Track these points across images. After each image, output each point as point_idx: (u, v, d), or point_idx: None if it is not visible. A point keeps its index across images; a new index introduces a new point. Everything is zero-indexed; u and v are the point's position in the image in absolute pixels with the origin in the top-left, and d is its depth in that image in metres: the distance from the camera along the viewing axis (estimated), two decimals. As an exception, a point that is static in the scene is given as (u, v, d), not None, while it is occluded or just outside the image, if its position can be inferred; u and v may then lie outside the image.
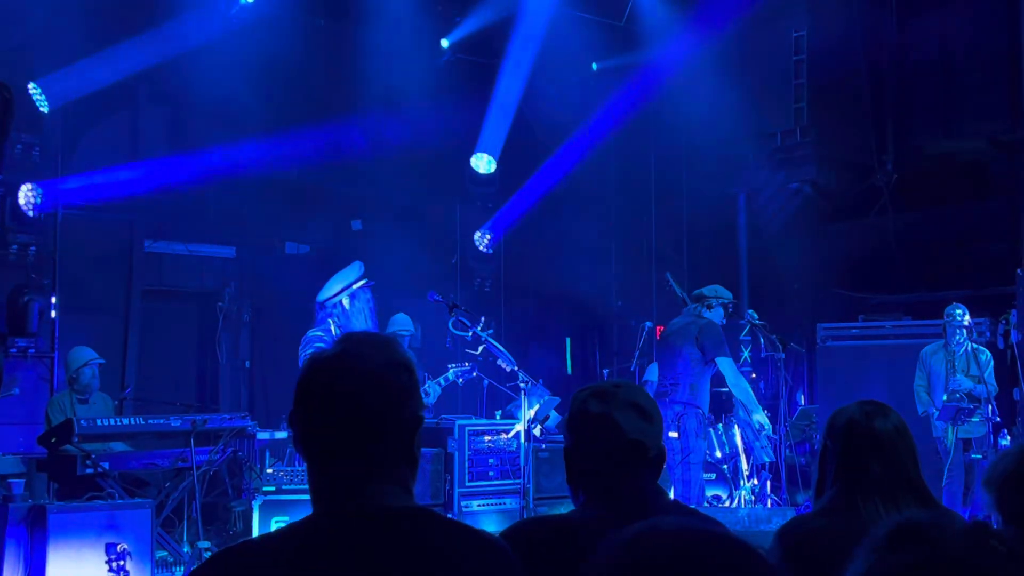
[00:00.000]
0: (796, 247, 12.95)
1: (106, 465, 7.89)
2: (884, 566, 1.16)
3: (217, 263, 12.33)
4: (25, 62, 9.96)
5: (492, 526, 8.27)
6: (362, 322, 7.04)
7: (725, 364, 8.10)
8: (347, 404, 1.88)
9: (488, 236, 13.21)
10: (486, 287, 13.42)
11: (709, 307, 8.40)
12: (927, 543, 1.16)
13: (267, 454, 9.05)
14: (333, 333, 6.96)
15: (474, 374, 8.39)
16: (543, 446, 8.88)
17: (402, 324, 9.57)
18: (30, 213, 9.94)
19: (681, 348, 8.21)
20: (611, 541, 1.25)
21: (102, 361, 9.20)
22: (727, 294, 8.55)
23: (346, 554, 1.79)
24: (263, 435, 8.99)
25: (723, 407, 10.54)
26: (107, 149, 10.94)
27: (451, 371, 8.29)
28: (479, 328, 7.57)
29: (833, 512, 2.94)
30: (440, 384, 8.45)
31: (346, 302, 7.12)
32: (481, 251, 13.10)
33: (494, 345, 7.56)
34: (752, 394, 8.38)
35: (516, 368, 7.49)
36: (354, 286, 7.18)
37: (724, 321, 8.52)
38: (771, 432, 8.58)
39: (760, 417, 8.34)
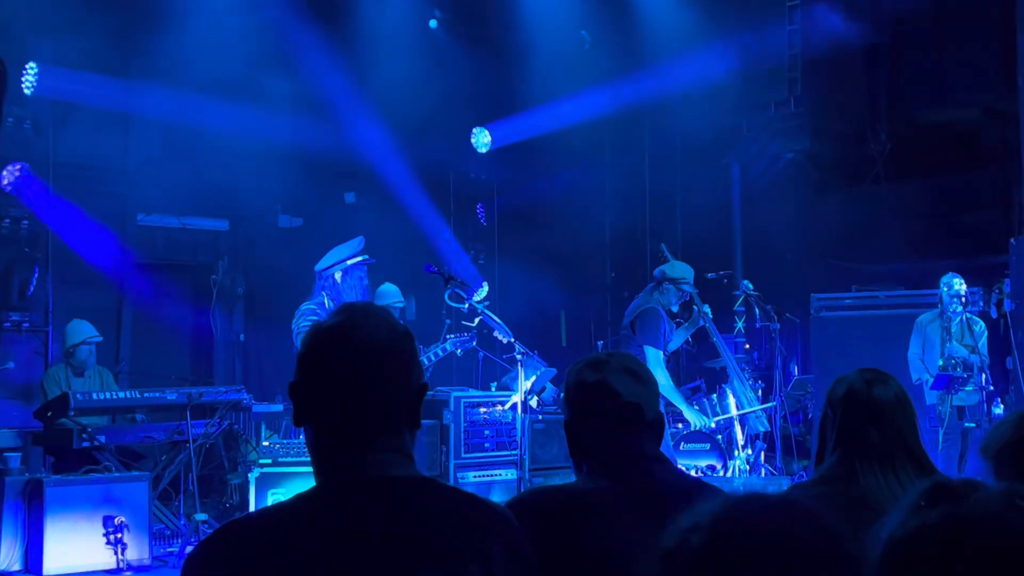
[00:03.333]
0: (790, 218, 12.94)
1: (102, 438, 7.89)
2: (917, 522, 1.19)
3: (210, 236, 12.30)
4: (17, 37, 9.88)
5: (489, 497, 8.29)
6: (352, 299, 7.01)
7: (649, 354, 7.86)
8: (353, 374, 1.87)
9: (480, 210, 13.24)
10: (480, 260, 13.41)
11: (661, 290, 8.18)
12: (960, 500, 1.19)
13: (263, 426, 9.05)
14: (327, 306, 6.94)
15: (473, 343, 8.39)
16: (539, 417, 8.90)
17: (392, 296, 9.54)
18: (10, 190, 9.88)
19: (628, 329, 8.11)
20: (695, 517, 1.28)
21: (100, 339, 9.17)
22: (681, 273, 8.21)
23: (353, 523, 1.78)
24: (259, 408, 9.00)
25: (717, 378, 10.57)
26: (99, 123, 10.87)
27: (449, 341, 8.29)
28: (477, 299, 7.57)
29: (833, 479, 2.95)
30: (432, 357, 8.44)
31: (338, 276, 7.11)
32: (479, 223, 13.13)
33: (490, 317, 7.56)
34: (675, 391, 8.05)
35: (512, 340, 7.49)
36: (348, 261, 7.16)
37: (675, 305, 8.19)
38: (707, 428, 8.41)
39: (689, 415, 8.16)
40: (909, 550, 1.18)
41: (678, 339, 8.55)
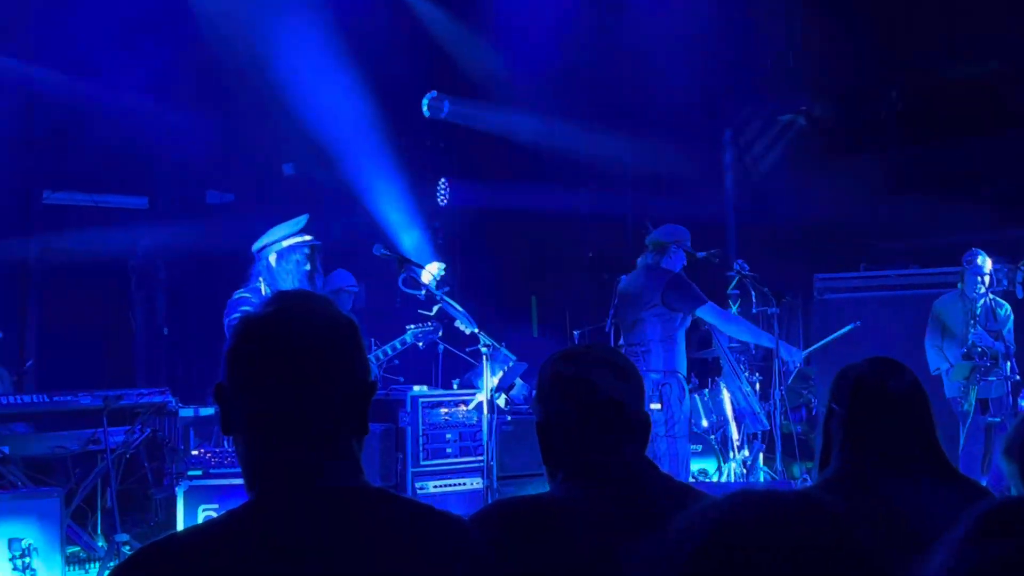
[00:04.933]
0: (790, 187, 12.98)
1: (6, 450, 7.82)
2: (981, 559, 1.11)
3: (128, 216, 12.20)
4: None
5: (452, 509, 8.28)
6: (289, 287, 6.92)
7: (708, 312, 7.94)
8: (287, 372, 1.86)
9: (446, 186, 13.24)
10: (438, 239, 13.38)
11: (669, 255, 8.23)
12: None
13: (191, 433, 9.01)
14: (264, 293, 6.88)
15: (439, 335, 8.37)
16: (508, 418, 8.91)
17: (343, 279, 9.47)
18: None
19: (646, 309, 8.09)
20: (695, 517, 1.23)
21: (0, 335, 9.11)
22: (683, 233, 8.29)
23: (292, 542, 1.76)
24: (186, 412, 8.96)
25: (709, 371, 10.61)
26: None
27: (409, 333, 8.26)
28: (429, 278, 7.53)
29: (841, 485, 2.96)
30: (390, 351, 8.41)
31: (272, 259, 7.02)
32: (439, 203, 13.16)
33: (451, 305, 7.53)
34: (753, 327, 8.34)
35: (476, 331, 7.48)
36: (283, 242, 7.06)
37: (683, 263, 8.34)
38: (800, 361, 8.62)
39: (781, 349, 8.21)
40: None
41: None
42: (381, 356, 8.21)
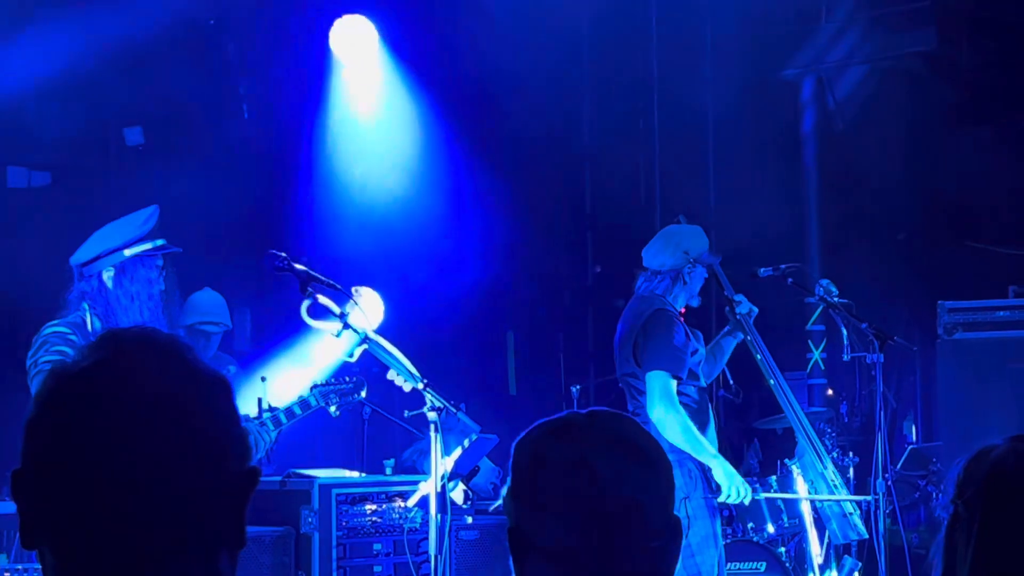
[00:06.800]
0: (901, 168, 13.04)
1: None
2: None
3: None
4: None
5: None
6: (136, 316, 6.92)
7: (654, 382, 7.92)
8: (121, 454, 1.86)
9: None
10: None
11: (685, 279, 8.32)
12: None
13: (-19, 544, 9.03)
14: (90, 329, 6.88)
15: (360, 394, 8.38)
16: (468, 520, 8.94)
17: (208, 310, 9.47)
18: None
19: (632, 362, 8.15)
20: None
21: None
22: (700, 241, 8.40)
23: None
24: (-31, 511, 8.96)
25: (777, 449, 10.63)
26: None
27: (315, 390, 8.27)
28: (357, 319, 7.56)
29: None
30: (284, 418, 8.41)
31: (107, 277, 7.01)
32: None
33: (381, 347, 7.56)
34: (695, 436, 8.00)
35: (421, 386, 7.49)
36: (126, 251, 7.06)
37: (698, 298, 8.39)
38: (741, 499, 8.36)
39: (720, 472, 8.10)
40: None
41: (720, 356, 8.65)
42: (272, 426, 8.20)
